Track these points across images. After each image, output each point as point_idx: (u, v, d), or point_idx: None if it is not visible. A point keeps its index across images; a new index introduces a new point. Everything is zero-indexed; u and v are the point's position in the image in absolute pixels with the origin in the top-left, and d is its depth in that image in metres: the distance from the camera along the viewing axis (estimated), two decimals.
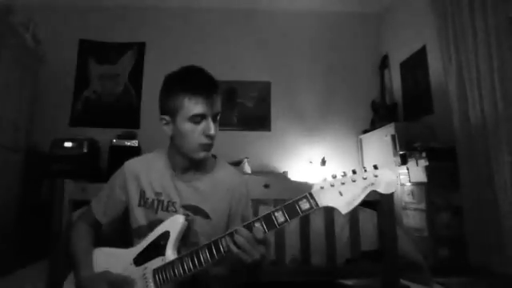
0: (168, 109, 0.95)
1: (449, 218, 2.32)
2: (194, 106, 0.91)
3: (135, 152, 3.31)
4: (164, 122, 0.97)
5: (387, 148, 3.03)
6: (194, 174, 1.01)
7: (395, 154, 2.82)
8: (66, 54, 3.82)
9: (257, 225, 0.80)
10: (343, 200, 0.77)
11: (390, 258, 1.40)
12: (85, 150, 3.24)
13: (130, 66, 3.93)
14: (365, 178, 0.77)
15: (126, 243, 0.98)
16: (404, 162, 2.65)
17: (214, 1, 3.98)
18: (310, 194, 0.79)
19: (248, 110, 3.90)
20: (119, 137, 3.46)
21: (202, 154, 0.95)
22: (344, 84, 3.98)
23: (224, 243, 0.81)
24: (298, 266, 1.46)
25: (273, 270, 1.40)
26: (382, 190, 0.76)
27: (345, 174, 0.79)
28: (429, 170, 2.38)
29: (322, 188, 0.79)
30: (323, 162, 3.64)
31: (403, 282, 1.58)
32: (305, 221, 1.46)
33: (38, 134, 3.17)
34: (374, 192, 0.78)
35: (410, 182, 2.57)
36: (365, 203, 1.87)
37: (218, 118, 0.98)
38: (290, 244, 1.45)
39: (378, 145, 3.29)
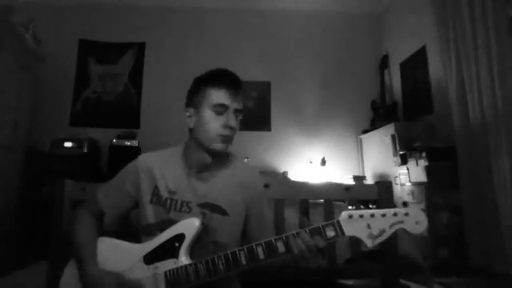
0: (193, 102, 0.99)
1: (449, 217, 2.32)
2: (218, 95, 0.95)
3: (135, 152, 3.31)
4: (188, 114, 1.00)
5: (387, 148, 3.03)
6: (209, 171, 0.99)
7: (395, 154, 2.82)
8: (65, 54, 3.82)
9: (279, 244, 0.80)
10: (370, 233, 0.76)
11: (390, 258, 1.40)
12: (85, 150, 3.24)
13: (130, 66, 3.93)
14: (395, 215, 0.76)
15: (130, 239, 0.97)
16: (404, 161, 2.66)
17: (213, 1, 3.98)
18: (338, 222, 0.78)
19: (248, 110, 3.90)
20: (119, 137, 3.46)
21: (219, 146, 0.95)
22: (344, 84, 3.98)
23: (242, 254, 0.81)
24: (298, 266, 1.46)
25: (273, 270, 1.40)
26: (410, 229, 0.76)
27: (374, 205, 0.79)
28: (429, 170, 2.38)
29: (350, 217, 0.78)
30: (323, 162, 3.64)
31: (403, 281, 1.58)
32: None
33: (37, 133, 3.17)
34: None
35: (410, 181, 2.57)
36: (365, 203, 1.88)
37: (241, 116, 1.00)
38: None
39: (378, 145, 3.29)
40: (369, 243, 0.76)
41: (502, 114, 2.06)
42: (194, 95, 0.99)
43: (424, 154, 2.43)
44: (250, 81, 3.92)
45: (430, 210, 2.33)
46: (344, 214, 0.79)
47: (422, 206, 2.37)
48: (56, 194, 1.35)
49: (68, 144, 3.22)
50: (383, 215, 0.76)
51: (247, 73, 3.93)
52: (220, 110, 0.95)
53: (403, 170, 2.65)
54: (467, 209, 2.24)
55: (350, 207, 0.81)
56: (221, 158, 1.01)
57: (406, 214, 0.76)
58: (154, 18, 4.01)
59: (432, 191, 2.36)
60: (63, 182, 1.35)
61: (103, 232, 1.02)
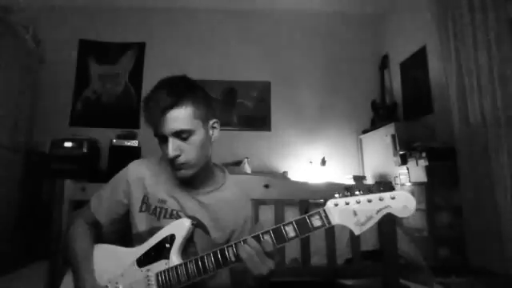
0: None
1: (449, 217, 2.32)
2: (152, 126, 0.89)
3: (135, 152, 3.31)
4: None
5: (387, 148, 3.03)
6: (199, 188, 0.98)
7: (395, 154, 2.82)
8: (65, 54, 3.82)
9: (266, 237, 0.78)
10: (357, 220, 0.74)
11: (390, 258, 1.40)
12: (85, 150, 3.23)
13: (130, 66, 3.93)
14: (381, 199, 0.73)
15: (127, 245, 0.97)
16: (404, 161, 2.66)
17: (214, 1, 3.98)
18: (324, 211, 0.76)
19: (248, 109, 3.90)
20: (119, 137, 3.45)
21: (179, 175, 0.91)
22: (344, 84, 3.98)
23: (231, 252, 0.79)
24: (298, 266, 1.46)
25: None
26: (397, 213, 0.73)
27: (360, 191, 0.75)
28: (429, 170, 2.38)
29: (336, 205, 0.76)
30: (323, 162, 3.64)
31: (403, 281, 1.58)
32: None
33: (38, 133, 3.17)
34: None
35: (410, 181, 2.57)
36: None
37: (188, 135, 0.87)
38: (290, 244, 1.44)
39: (378, 145, 3.29)
40: (356, 231, 0.74)
41: (501, 114, 2.06)
42: None
43: (424, 154, 2.43)
44: (249, 81, 3.94)
45: (430, 210, 2.33)
46: (329, 202, 0.76)
47: (423, 206, 2.37)
48: (56, 194, 1.35)
49: (68, 144, 3.22)
50: (369, 201, 0.74)
51: (247, 73, 3.94)
52: (161, 140, 0.89)
53: (403, 169, 2.66)
54: (467, 209, 2.24)
55: (336, 195, 0.79)
56: (215, 177, 1.00)
57: (393, 198, 0.73)
58: (153, 18, 4.01)
59: (432, 191, 2.36)
60: (63, 182, 1.36)
61: (102, 238, 1.02)
